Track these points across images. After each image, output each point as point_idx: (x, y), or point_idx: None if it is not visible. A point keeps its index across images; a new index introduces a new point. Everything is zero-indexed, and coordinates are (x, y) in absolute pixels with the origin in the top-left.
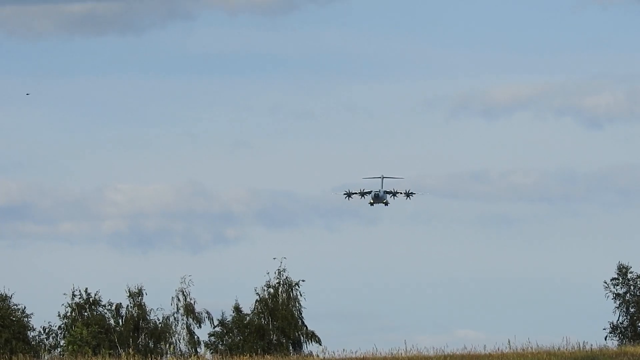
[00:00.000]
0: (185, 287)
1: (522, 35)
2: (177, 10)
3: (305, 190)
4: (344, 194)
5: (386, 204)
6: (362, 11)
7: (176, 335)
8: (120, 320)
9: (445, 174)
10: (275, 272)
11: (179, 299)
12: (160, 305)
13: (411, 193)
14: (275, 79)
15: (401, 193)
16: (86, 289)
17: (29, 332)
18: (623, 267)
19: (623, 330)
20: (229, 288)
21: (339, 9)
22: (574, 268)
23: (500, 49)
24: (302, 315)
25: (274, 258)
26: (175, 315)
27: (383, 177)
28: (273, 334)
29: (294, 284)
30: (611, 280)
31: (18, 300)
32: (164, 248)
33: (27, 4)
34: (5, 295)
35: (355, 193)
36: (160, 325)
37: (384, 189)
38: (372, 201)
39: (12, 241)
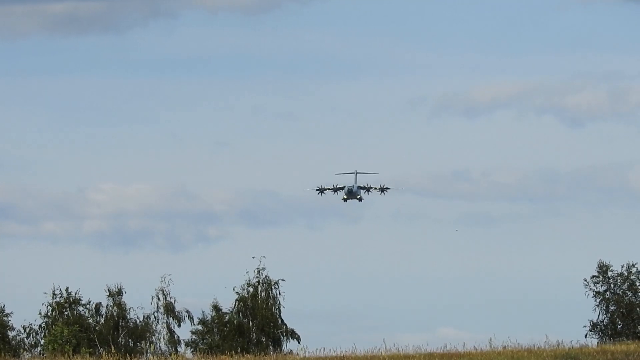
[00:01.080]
0: (165, 286)
1: (503, 34)
2: (159, 10)
3: (287, 190)
4: (317, 189)
5: (360, 199)
6: (343, 11)
7: (156, 334)
8: (100, 319)
9: (427, 173)
10: (254, 271)
11: (159, 298)
12: (140, 304)
13: (385, 188)
14: (257, 79)
15: (375, 188)
16: (67, 288)
17: (8, 331)
18: (603, 265)
19: (603, 328)
20: (210, 287)
21: (320, 9)
22: (554, 266)
23: (481, 48)
24: (281, 313)
25: (253, 257)
26: (156, 314)
27: (357, 173)
28: (253, 333)
29: (273, 283)
30: (591, 278)
31: None
32: (145, 247)
33: (8, 4)
34: None
35: (328, 189)
36: (140, 324)
37: (358, 184)
38: (345, 197)
39: None
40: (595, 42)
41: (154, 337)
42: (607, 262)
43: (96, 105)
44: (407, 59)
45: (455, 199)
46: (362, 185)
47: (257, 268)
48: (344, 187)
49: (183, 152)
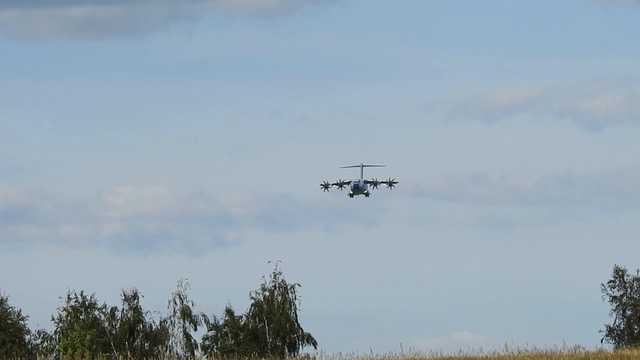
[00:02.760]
0: (182, 290)
1: (522, 38)
2: (178, 13)
3: (304, 193)
4: (321, 185)
5: (367, 194)
6: (361, 14)
7: (172, 338)
8: (115, 324)
9: (444, 176)
10: (270, 275)
11: (175, 303)
12: (157, 308)
13: (394, 182)
14: (275, 82)
15: (383, 182)
16: (82, 292)
17: (25, 335)
18: (619, 270)
19: (619, 333)
20: (228, 290)
21: (339, 12)
22: (571, 270)
23: (499, 51)
24: (298, 318)
25: (269, 261)
26: (172, 318)
27: (363, 166)
28: (268, 337)
29: (289, 287)
30: (608, 282)
31: (16, 303)
32: (163, 251)
33: (28, 8)
34: (1, 298)
35: (334, 184)
36: (156, 328)
37: (364, 178)
38: (351, 192)
39: (12, 244)
40: (614, 46)
41: (170, 341)
42: (623, 267)
43: (114, 109)
44: (425, 63)
45: (472, 203)
46: (369, 180)
47: (274, 272)
48: (350, 182)
49: (201, 155)
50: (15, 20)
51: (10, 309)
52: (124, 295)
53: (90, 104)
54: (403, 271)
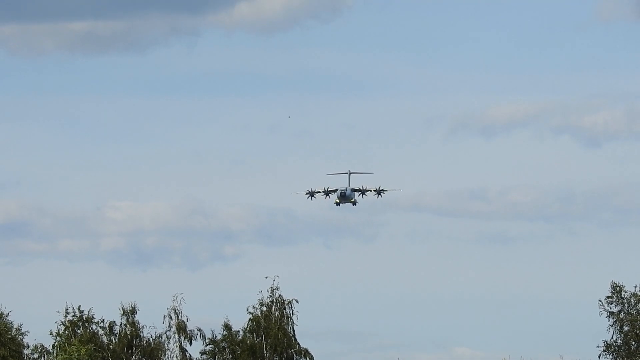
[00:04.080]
0: (177, 305)
1: (521, 55)
2: (178, 29)
3: (303, 208)
4: (306, 193)
5: (354, 203)
6: (361, 30)
7: (168, 353)
8: (113, 338)
9: (443, 191)
10: (268, 290)
11: (170, 317)
12: (153, 323)
13: (382, 190)
14: (274, 97)
15: (371, 190)
16: (79, 306)
17: (23, 349)
18: (617, 286)
19: (617, 348)
20: (226, 305)
21: (338, 28)
22: (569, 286)
23: (498, 67)
24: (295, 333)
25: (266, 277)
26: (168, 333)
27: (350, 173)
28: (266, 352)
29: (287, 302)
30: (605, 298)
31: (15, 317)
32: (162, 266)
33: (29, 23)
34: (1, 313)
35: (319, 192)
36: (153, 343)
37: (352, 186)
38: (338, 200)
39: (12, 258)
40: (613, 62)
41: (165, 356)
42: (621, 283)
43: (112, 124)
44: (424, 78)
45: (471, 218)
46: (356, 188)
47: (271, 287)
48: (337, 190)
49: (200, 170)
50: (16, 35)
51: (11, 324)
52: (123, 309)
53: (89, 119)
54: (402, 286)
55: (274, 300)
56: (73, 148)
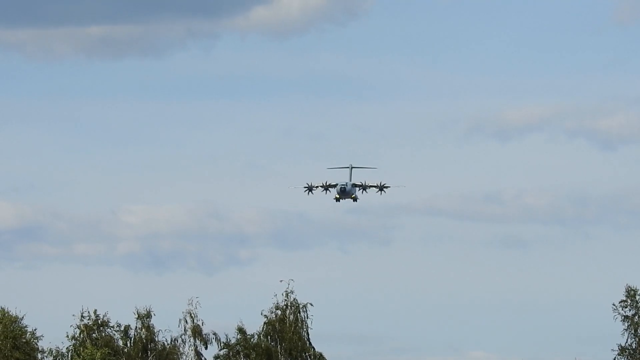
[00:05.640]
0: (193, 309)
1: (536, 57)
2: (195, 32)
3: (318, 212)
4: (305, 187)
5: (355, 199)
6: (376, 34)
7: (184, 357)
8: (128, 342)
9: (458, 195)
10: (282, 294)
11: (186, 321)
12: (168, 326)
13: (385, 186)
14: (289, 100)
15: (373, 186)
16: (95, 310)
17: (38, 354)
18: (631, 290)
19: (631, 352)
20: (241, 309)
21: (353, 32)
22: (583, 289)
23: (513, 70)
24: (310, 336)
25: (281, 280)
26: (183, 337)
27: (352, 167)
28: (280, 356)
29: (301, 306)
30: (620, 302)
31: (30, 321)
32: (177, 270)
33: (45, 27)
34: (17, 316)
35: (318, 187)
36: (168, 347)
37: (353, 181)
38: (337, 196)
39: (27, 262)
40: (628, 65)
41: None
42: (635, 287)
43: (127, 126)
44: (439, 81)
45: (486, 222)
46: (357, 183)
47: (286, 291)
48: (336, 184)
49: (215, 174)
50: (33, 39)
51: (25, 328)
52: (138, 313)
53: (105, 123)
54: (416, 290)
55: (289, 304)
56: (89, 152)
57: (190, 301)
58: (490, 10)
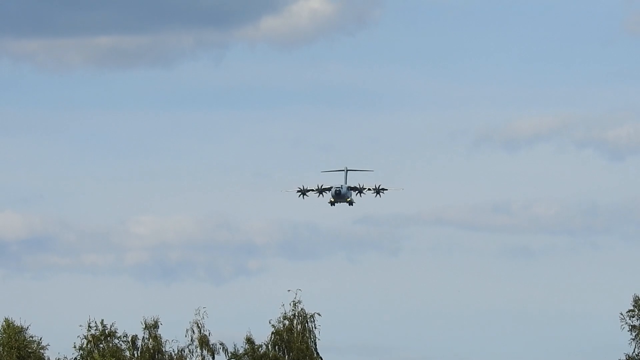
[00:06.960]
0: (200, 319)
1: (545, 68)
2: (205, 43)
3: (327, 222)
4: (298, 191)
5: (350, 203)
6: (386, 44)
7: None
8: (136, 352)
9: (466, 205)
10: (290, 304)
11: (193, 331)
12: (175, 337)
13: (382, 189)
14: (298, 110)
15: (369, 189)
16: (102, 320)
17: None
18: (639, 299)
19: None
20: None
21: (363, 42)
22: (591, 299)
23: (522, 81)
24: (317, 347)
25: (289, 290)
26: (190, 347)
27: (347, 170)
28: None
29: (309, 316)
30: (627, 312)
31: (37, 331)
32: (185, 280)
33: (55, 38)
34: (22, 327)
35: (311, 190)
36: (175, 357)
37: (348, 184)
38: (332, 199)
39: (36, 273)
40: (636, 75)
41: None
42: None
43: (136, 138)
44: (448, 92)
45: (494, 232)
46: (352, 186)
47: (293, 301)
48: (331, 187)
49: (224, 184)
50: (43, 50)
51: (31, 338)
52: (145, 323)
53: (114, 133)
54: (424, 300)
55: (297, 314)
56: (98, 162)
57: (198, 311)
58: (499, 21)
